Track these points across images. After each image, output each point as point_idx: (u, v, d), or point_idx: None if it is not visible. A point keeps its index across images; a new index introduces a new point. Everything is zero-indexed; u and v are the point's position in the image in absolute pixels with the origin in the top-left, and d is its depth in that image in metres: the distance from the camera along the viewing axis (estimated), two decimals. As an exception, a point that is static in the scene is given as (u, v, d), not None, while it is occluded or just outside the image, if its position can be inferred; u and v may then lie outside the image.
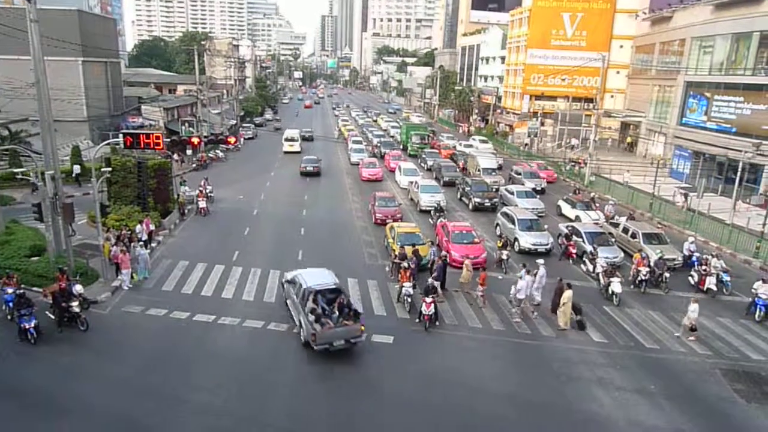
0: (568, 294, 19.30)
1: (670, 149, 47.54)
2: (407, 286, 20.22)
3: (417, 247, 23.34)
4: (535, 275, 21.04)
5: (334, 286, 18.48)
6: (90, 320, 18.10)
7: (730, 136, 39.38)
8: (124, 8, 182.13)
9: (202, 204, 32.32)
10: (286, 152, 55.20)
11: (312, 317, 16.81)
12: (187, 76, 75.67)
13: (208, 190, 33.95)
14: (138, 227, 25.12)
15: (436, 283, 20.40)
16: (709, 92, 42.95)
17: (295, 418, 14.14)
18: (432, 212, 31.63)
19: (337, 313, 17.32)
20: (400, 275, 21.01)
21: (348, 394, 15.17)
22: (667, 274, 23.08)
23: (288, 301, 19.33)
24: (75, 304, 17.81)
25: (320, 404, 14.69)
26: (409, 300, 20.20)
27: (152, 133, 24.73)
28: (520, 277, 20.26)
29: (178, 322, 18.95)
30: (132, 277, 21.79)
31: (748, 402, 15.38)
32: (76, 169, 36.64)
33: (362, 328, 16.94)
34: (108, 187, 28.95)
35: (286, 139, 56.87)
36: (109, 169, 26.07)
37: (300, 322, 17.54)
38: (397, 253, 23.34)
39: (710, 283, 22.57)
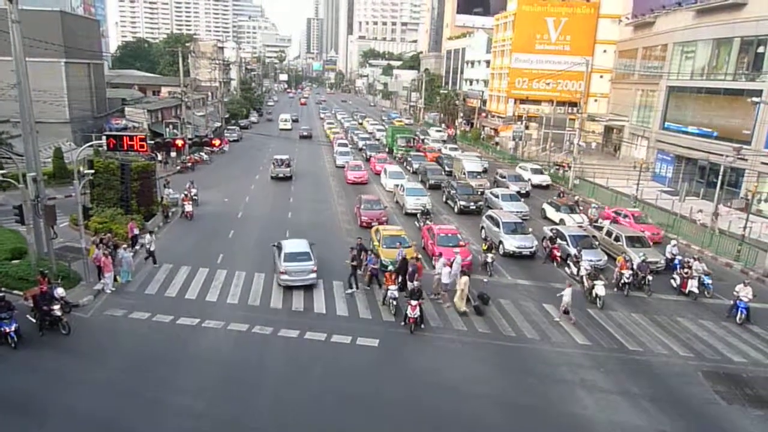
0: (463, 280, 20.54)
1: (653, 153, 48.17)
2: (392, 289, 20.24)
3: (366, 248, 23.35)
4: (451, 264, 22.03)
5: (286, 158, 45.32)
6: (72, 324, 17.85)
7: (711, 140, 40.00)
8: (107, 9, 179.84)
9: (189, 208, 31.81)
10: (281, 129, 78.27)
11: (272, 165, 44.44)
12: (171, 78, 75.16)
13: (193, 194, 33.57)
14: (137, 232, 24.91)
15: (415, 284, 20.53)
16: (690, 97, 43.59)
17: (280, 422, 14.06)
18: (418, 215, 31.71)
19: (283, 165, 44.28)
20: (385, 278, 21.03)
21: (332, 398, 15.11)
22: (649, 277, 23.36)
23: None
24: (56, 307, 17.53)
25: (305, 408, 14.62)
26: (394, 303, 20.21)
27: (136, 135, 24.53)
28: (444, 264, 21.74)
29: (162, 325, 18.77)
30: (115, 280, 21.55)
31: (729, 404, 15.58)
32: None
33: (291, 169, 45.01)
34: (91, 190, 28.62)
35: (282, 120, 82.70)
36: (92, 171, 25.79)
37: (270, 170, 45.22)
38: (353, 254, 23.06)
39: (692, 285, 22.86)
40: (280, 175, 44.29)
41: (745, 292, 20.79)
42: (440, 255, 22.90)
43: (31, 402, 14.34)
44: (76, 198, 21.83)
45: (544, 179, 44.95)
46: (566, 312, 20.24)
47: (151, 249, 24.09)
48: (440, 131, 75.47)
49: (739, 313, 20.71)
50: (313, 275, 22.06)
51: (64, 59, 45.87)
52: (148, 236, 24.34)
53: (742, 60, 39.37)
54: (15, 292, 19.75)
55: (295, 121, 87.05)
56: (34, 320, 17.76)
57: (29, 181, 20.68)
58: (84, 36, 51.09)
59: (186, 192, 32.99)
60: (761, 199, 35.54)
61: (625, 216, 31.77)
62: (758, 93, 35.33)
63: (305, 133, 71.78)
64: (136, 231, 26.00)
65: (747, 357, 18.29)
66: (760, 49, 37.34)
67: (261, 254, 25.98)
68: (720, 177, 32.67)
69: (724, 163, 32.30)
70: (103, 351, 17.19)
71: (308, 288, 22.14)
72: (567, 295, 20.06)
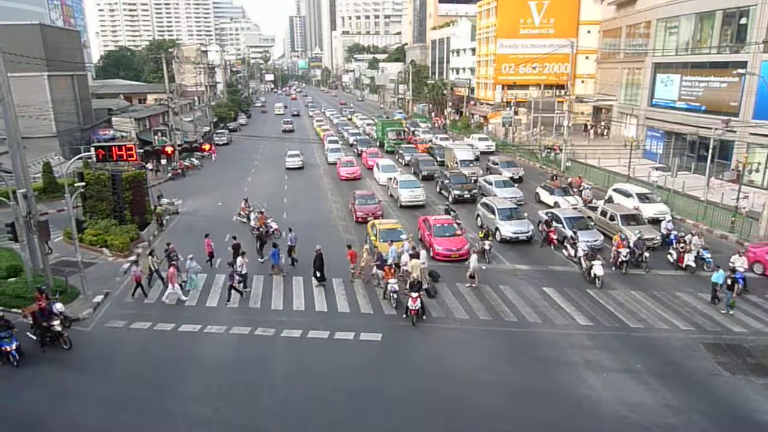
0: (413, 263, 20.99)
1: (643, 131, 48.28)
2: (392, 283, 20.25)
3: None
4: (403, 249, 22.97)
5: (290, 119, 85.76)
6: (73, 338, 17.78)
7: (699, 114, 40.12)
8: (87, 20, 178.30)
9: (275, 225, 28.56)
10: (276, 114, 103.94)
11: (282, 123, 78.56)
12: (156, 85, 74.61)
13: (263, 209, 30.13)
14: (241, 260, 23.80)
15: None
16: (677, 72, 43.69)
17: (288, 423, 14.07)
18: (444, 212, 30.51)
19: (288, 124, 78.78)
20: (384, 272, 21.05)
21: (338, 395, 15.14)
22: (646, 254, 23.48)
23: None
24: (56, 323, 17.46)
25: (312, 407, 14.63)
26: (395, 296, 20.23)
27: (124, 145, 24.41)
28: (401, 253, 22.63)
29: (163, 334, 18.74)
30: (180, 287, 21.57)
31: (732, 374, 15.72)
32: None
33: (293, 125, 79.76)
34: (83, 202, 28.48)
35: (276, 107, 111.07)
36: (83, 183, 25.65)
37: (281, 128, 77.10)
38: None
39: (689, 260, 22.99)
40: (288, 128, 77.04)
41: (740, 263, 20.96)
42: (390, 243, 23.50)
43: (37, 420, 14.31)
44: (68, 211, 21.71)
45: (659, 210, 29.83)
46: (472, 277, 21.94)
47: (243, 272, 21.92)
48: (485, 138, 58.37)
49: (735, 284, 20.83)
50: (300, 162, 49.18)
51: (47, 72, 45.44)
52: (240, 259, 22.06)
53: (725, 32, 39.43)
54: (13, 310, 19.64)
55: (285, 107, 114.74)
56: (34, 337, 17.69)
57: (20, 198, 20.52)
58: (65, 48, 50.64)
59: (260, 210, 29.58)
60: (752, 169, 35.72)
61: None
62: (743, 64, 35.42)
63: (295, 112, 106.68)
64: (213, 245, 24.89)
65: (747, 327, 18.44)
66: (743, 21, 37.41)
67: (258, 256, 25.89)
68: (710, 150, 32.80)
69: (714, 136, 32.44)
70: (106, 363, 17.15)
71: (308, 287, 22.23)
72: (473, 261, 22.00)
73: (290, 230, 25.57)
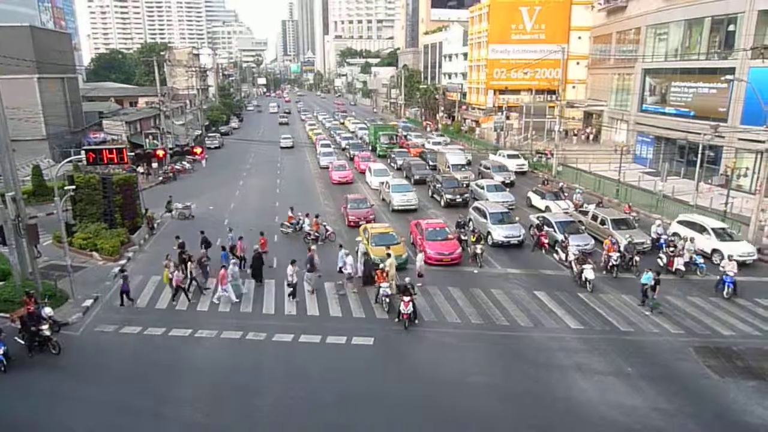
0: (389, 261, 21.42)
1: (633, 136, 48.62)
2: (384, 287, 20.25)
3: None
4: (357, 252, 23.60)
5: (285, 115, 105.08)
6: (62, 342, 17.61)
7: (689, 119, 40.49)
8: (78, 22, 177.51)
9: (330, 228, 29.06)
10: (271, 113, 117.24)
11: (279, 117, 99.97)
12: (147, 88, 74.29)
13: (317, 218, 29.12)
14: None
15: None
16: (666, 78, 44.09)
17: (279, 427, 14.02)
18: (455, 228, 28.51)
19: (284, 117, 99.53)
20: (376, 276, 21.05)
21: (330, 399, 15.10)
22: (637, 258, 23.65)
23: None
24: (45, 327, 17.30)
25: (304, 411, 14.59)
26: (387, 300, 20.22)
27: (115, 148, 24.30)
28: (347, 254, 22.65)
29: (154, 338, 18.61)
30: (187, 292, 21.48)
31: (721, 377, 15.83)
32: None
33: (289, 119, 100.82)
34: (72, 206, 28.29)
35: (270, 106, 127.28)
36: (73, 187, 25.49)
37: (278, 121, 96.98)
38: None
39: (678, 263, 23.15)
40: (283, 121, 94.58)
41: (730, 267, 21.13)
42: (341, 247, 24.06)
43: (27, 425, 14.18)
44: (58, 215, 21.55)
45: (745, 251, 23.93)
46: (420, 275, 22.82)
47: (293, 281, 21.24)
48: (515, 156, 48.20)
49: (726, 287, 21.04)
50: (291, 143, 64.76)
51: (37, 75, 45.21)
52: (290, 267, 21.34)
53: (713, 39, 39.86)
54: (1, 314, 19.45)
55: (278, 107, 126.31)
56: (22, 342, 17.49)
57: (8, 201, 20.37)
58: (56, 50, 50.37)
59: (315, 219, 28.87)
60: (740, 174, 36.07)
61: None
62: (731, 71, 35.82)
63: (287, 110, 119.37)
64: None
65: (736, 330, 18.59)
66: (731, 28, 37.83)
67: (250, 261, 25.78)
68: (699, 155, 33.11)
69: (703, 141, 32.75)
70: (96, 368, 17.01)
71: (300, 291, 22.03)
72: (419, 260, 23.34)
73: (230, 230, 26.35)
